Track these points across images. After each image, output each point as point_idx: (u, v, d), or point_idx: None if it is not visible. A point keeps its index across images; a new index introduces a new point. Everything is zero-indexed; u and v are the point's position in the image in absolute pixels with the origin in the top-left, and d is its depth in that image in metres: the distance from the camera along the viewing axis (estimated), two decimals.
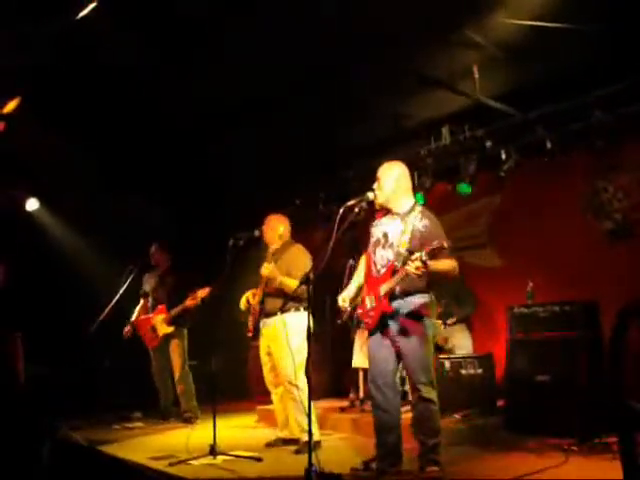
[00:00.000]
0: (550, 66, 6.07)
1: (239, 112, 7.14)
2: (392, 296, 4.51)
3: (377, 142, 8.02)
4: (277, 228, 6.11)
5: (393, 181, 4.70)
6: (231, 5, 5.29)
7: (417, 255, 4.13)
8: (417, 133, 7.82)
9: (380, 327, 4.61)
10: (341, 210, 4.65)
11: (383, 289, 4.51)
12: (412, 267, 4.13)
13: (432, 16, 5.47)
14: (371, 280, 4.71)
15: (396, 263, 4.48)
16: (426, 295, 4.58)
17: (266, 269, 5.74)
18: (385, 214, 4.80)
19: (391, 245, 4.61)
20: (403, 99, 7.14)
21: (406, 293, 4.52)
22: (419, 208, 4.67)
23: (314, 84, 6.61)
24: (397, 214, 4.69)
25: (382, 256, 4.65)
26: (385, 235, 4.68)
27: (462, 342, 6.97)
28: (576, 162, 6.76)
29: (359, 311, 4.86)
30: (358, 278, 4.95)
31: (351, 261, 7.69)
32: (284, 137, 7.68)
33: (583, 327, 5.69)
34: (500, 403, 6.28)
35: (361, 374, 7.42)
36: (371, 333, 4.72)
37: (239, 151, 8.01)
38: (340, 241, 4.66)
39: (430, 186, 7.68)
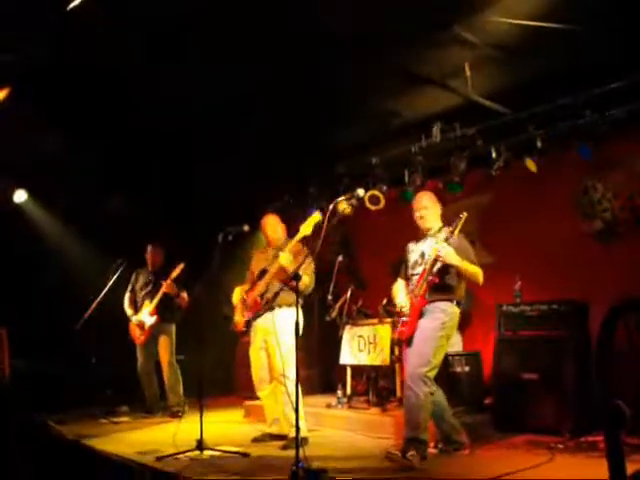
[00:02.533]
0: (541, 65, 6.06)
1: (228, 107, 7.09)
2: (425, 294, 4.94)
3: (368, 139, 8.02)
4: (278, 227, 6.25)
5: (436, 208, 5.30)
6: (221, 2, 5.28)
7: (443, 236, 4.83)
8: (408, 131, 7.80)
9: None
10: (331, 206, 4.69)
11: (417, 289, 4.96)
12: (439, 246, 4.76)
13: (423, 14, 5.46)
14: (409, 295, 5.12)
15: (426, 267, 4.95)
16: (452, 304, 5.03)
17: (284, 258, 5.70)
18: (418, 240, 5.29)
19: (426, 261, 5.04)
20: (394, 97, 7.12)
21: (435, 297, 4.96)
22: (445, 228, 5.11)
23: (306, 81, 6.59)
24: (430, 236, 5.18)
25: (417, 272, 5.10)
26: (422, 255, 5.13)
27: (451, 340, 6.96)
28: (566, 161, 6.76)
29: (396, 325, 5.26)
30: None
31: (340, 257, 7.70)
32: (274, 134, 7.66)
33: (571, 326, 5.72)
34: (488, 401, 6.30)
35: (349, 370, 7.43)
36: (409, 342, 5.00)
37: (228, 148, 7.98)
38: (330, 238, 4.69)
39: (421, 184, 7.67)
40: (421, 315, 4.94)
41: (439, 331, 4.88)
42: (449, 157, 7.43)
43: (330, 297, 7.55)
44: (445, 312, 4.94)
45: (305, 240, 5.68)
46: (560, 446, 5.04)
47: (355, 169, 8.45)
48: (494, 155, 7.02)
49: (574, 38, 5.49)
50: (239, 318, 6.09)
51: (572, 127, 6.48)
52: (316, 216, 5.31)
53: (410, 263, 5.22)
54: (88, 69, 6.15)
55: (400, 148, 7.88)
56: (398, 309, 5.12)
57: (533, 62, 6.05)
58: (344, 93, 6.89)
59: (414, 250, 5.25)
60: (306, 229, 5.48)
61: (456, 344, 7.01)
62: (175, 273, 7.54)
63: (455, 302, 5.03)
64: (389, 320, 6.85)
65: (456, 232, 4.85)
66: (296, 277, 4.72)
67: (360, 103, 7.12)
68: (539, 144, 6.67)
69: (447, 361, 6.44)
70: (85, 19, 5.10)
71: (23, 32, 5.44)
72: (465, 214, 4.86)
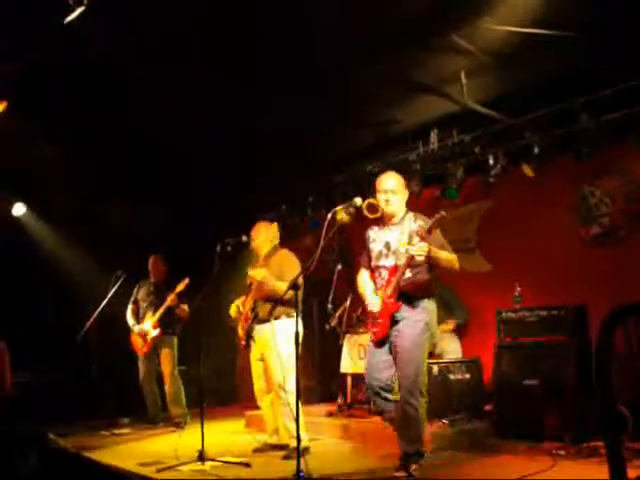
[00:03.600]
0: (537, 71, 6.09)
1: (225, 117, 7.10)
2: (398, 296, 4.65)
3: (365, 147, 8.05)
4: (267, 234, 6.14)
5: (403, 193, 4.92)
6: (220, 9, 5.30)
7: (417, 238, 4.42)
8: (405, 138, 7.84)
9: (389, 331, 4.69)
10: (329, 215, 4.69)
11: (389, 289, 4.66)
12: (415, 248, 4.36)
13: (419, 22, 5.48)
14: (376, 291, 4.85)
15: (398, 262, 4.64)
16: (430, 298, 4.77)
17: (259, 274, 5.72)
18: (380, 227, 4.95)
19: (394, 252, 4.75)
20: (391, 104, 7.15)
21: (410, 295, 4.67)
22: (410, 213, 4.89)
23: (304, 90, 6.61)
24: (394, 223, 4.86)
25: (384, 265, 4.80)
26: (387, 245, 4.83)
27: (451, 347, 6.98)
28: (563, 167, 6.78)
29: (369, 324, 4.91)
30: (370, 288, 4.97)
31: (339, 266, 7.69)
32: (273, 143, 7.68)
33: (571, 331, 5.69)
34: (488, 407, 6.28)
35: (349, 379, 7.42)
36: (380, 343, 4.76)
37: (226, 156, 7.99)
38: (329, 246, 4.69)
39: (418, 191, 7.69)
40: (396, 318, 4.66)
41: (424, 333, 4.65)
42: (446, 164, 7.46)
43: (330, 306, 7.52)
44: (426, 310, 4.69)
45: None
46: (561, 452, 5.01)
47: (353, 177, 8.47)
48: (491, 162, 7.04)
49: (569, 44, 5.51)
50: (240, 331, 6.08)
51: (569, 133, 6.51)
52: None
53: (374, 253, 4.90)
54: (87, 75, 6.14)
55: (397, 156, 7.91)
56: (370, 312, 4.83)
57: (529, 68, 6.09)
58: (342, 101, 6.90)
59: (376, 239, 4.93)
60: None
61: (456, 351, 7.02)
62: (180, 288, 7.49)
63: (432, 297, 4.79)
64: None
65: (433, 231, 4.50)
66: (295, 287, 4.73)
67: (358, 111, 7.14)
68: (536, 150, 6.68)
69: (447, 368, 6.45)
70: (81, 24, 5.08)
71: (21, 39, 5.43)
72: (443, 213, 4.47)
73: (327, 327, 7.62)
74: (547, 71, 6.06)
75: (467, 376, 6.45)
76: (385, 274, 4.76)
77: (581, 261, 6.59)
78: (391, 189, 4.83)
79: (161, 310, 7.71)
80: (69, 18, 4.81)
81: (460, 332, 7.27)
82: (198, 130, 7.40)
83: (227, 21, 5.35)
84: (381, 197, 4.83)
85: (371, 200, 4.91)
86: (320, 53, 5.92)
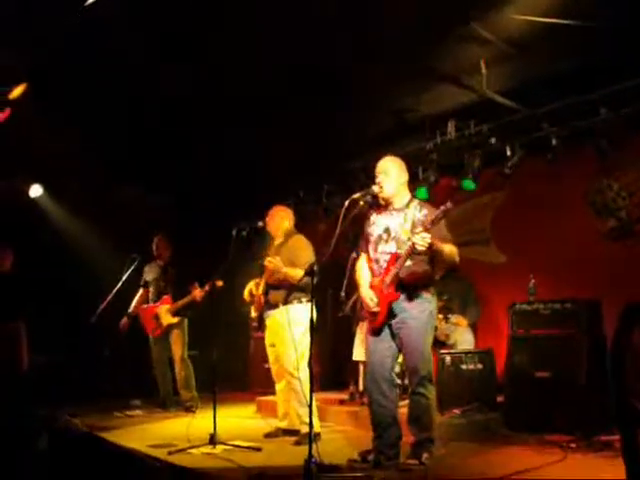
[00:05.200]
0: (557, 63, 6.05)
1: (242, 105, 7.10)
2: (397, 286, 4.54)
3: (382, 135, 8.01)
4: (282, 220, 6.15)
5: (398, 175, 4.76)
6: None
7: (420, 228, 4.27)
8: (422, 127, 7.79)
9: (387, 320, 4.61)
10: (346, 202, 4.67)
11: (388, 278, 4.55)
12: (417, 238, 4.22)
13: (440, 11, 5.45)
14: (373, 279, 4.74)
15: (399, 251, 4.54)
16: (429, 288, 4.68)
17: (270, 263, 5.73)
18: (381, 211, 4.85)
19: (394, 238, 4.65)
20: (409, 93, 7.11)
21: (410, 285, 4.57)
22: (416, 200, 4.80)
23: (322, 78, 6.59)
24: (396, 209, 4.75)
25: (384, 251, 4.69)
26: (387, 230, 4.72)
27: (464, 337, 6.96)
28: (581, 159, 6.75)
29: (365, 314, 4.85)
30: (366, 278, 4.86)
31: (354, 254, 7.66)
32: (288, 130, 7.67)
33: (584, 325, 5.68)
34: (500, 399, 6.28)
35: (361, 367, 7.42)
36: (378, 331, 4.68)
37: (242, 143, 8.00)
38: (344, 234, 4.67)
39: (434, 181, 7.68)
40: (395, 309, 4.57)
41: (429, 323, 4.61)
42: (463, 154, 7.43)
43: (343, 293, 7.52)
44: (427, 300, 4.62)
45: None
46: (572, 445, 5.01)
47: (370, 165, 8.43)
48: (508, 153, 7.01)
49: (590, 35, 5.45)
50: (253, 313, 6.11)
51: (587, 126, 6.46)
52: None
53: (373, 237, 4.79)
54: (100, 64, 6.16)
55: (414, 145, 7.88)
56: (368, 304, 4.68)
57: (549, 59, 6.04)
58: (360, 89, 6.87)
59: (376, 222, 4.81)
60: None
61: (469, 342, 7.01)
62: (209, 288, 7.16)
63: (431, 287, 4.70)
64: None
65: (437, 222, 4.32)
66: (311, 273, 4.73)
67: (376, 99, 7.11)
68: (554, 142, 6.64)
69: (460, 358, 6.44)
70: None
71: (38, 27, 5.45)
72: (449, 205, 4.28)
73: (340, 314, 7.64)
74: (567, 62, 6.01)
75: (480, 367, 6.43)
76: (384, 261, 4.65)
77: (596, 255, 6.56)
78: (383, 171, 4.74)
79: (182, 302, 7.70)
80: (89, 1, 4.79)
81: (474, 324, 7.26)
82: (213, 116, 7.39)
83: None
84: (376, 180, 4.76)
85: None
86: (340, 41, 5.90)
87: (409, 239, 4.42)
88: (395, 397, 4.77)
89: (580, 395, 5.42)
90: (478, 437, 5.60)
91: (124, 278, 7.82)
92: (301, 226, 6.42)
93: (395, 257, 4.55)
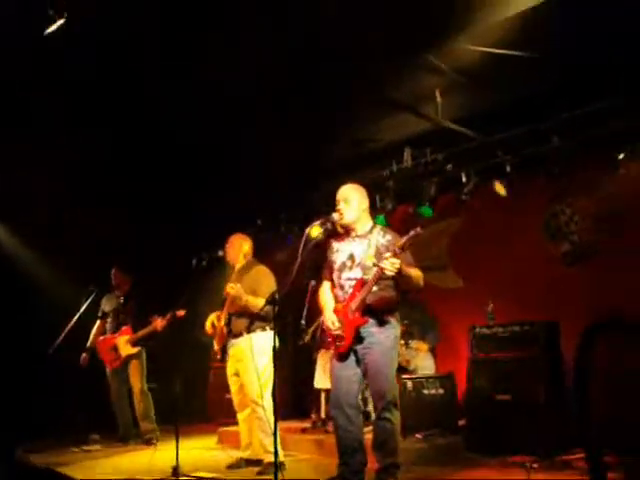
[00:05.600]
0: (510, 92, 6.20)
1: (203, 134, 7.12)
2: (363, 311, 4.56)
3: (339, 164, 8.08)
4: (241, 247, 6.12)
5: (359, 202, 4.80)
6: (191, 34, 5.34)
7: (389, 253, 4.30)
8: (379, 155, 7.90)
9: (354, 344, 4.60)
10: (307, 231, 4.68)
11: (354, 303, 4.57)
12: (387, 263, 4.25)
13: (395, 41, 5.57)
14: (337, 304, 4.76)
15: (365, 277, 4.56)
16: (395, 314, 4.71)
17: (232, 288, 5.71)
18: (343, 238, 4.88)
19: (359, 264, 4.67)
20: (366, 122, 7.22)
21: (376, 310, 4.59)
22: (379, 226, 4.85)
23: (278, 108, 6.65)
24: (359, 235, 4.79)
25: (349, 277, 4.71)
26: (351, 257, 4.74)
27: (425, 362, 7.02)
28: (534, 185, 6.91)
29: (328, 339, 4.84)
30: (330, 303, 4.88)
31: (313, 282, 7.70)
32: (246, 159, 7.71)
33: (543, 346, 5.80)
34: (461, 422, 6.34)
35: (323, 395, 7.42)
36: (344, 357, 4.67)
37: (201, 174, 8.01)
38: (304, 262, 4.68)
39: (392, 208, 7.77)
40: (362, 333, 4.57)
41: (394, 348, 4.64)
42: (420, 182, 7.54)
43: (303, 322, 7.53)
44: (393, 326, 4.64)
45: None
46: (535, 465, 5.07)
47: (327, 193, 8.49)
48: (464, 180, 7.15)
49: (540, 66, 5.64)
50: (216, 346, 6.05)
51: (540, 152, 6.63)
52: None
53: (336, 265, 4.80)
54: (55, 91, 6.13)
55: (371, 173, 7.97)
56: (330, 327, 4.69)
57: (502, 89, 6.19)
58: (316, 118, 6.95)
59: (339, 249, 4.84)
60: None
61: (430, 367, 7.06)
62: (170, 317, 7.15)
63: (396, 313, 4.73)
64: None
65: (407, 248, 4.39)
66: (273, 301, 4.73)
67: (332, 128, 7.19)
68: (508, 168, 6.80)
69: (421, 383, 6.49)
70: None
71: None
72: (419, 230, 4.33)
73: (300, 343, 7.64)
74: (519, 91, 6.17)
75: (441, 391, 6.50)
76: (349, 287, 4.67)
77: (552, 278, 6.69)
78: (344, 198, 4.78)
79: (143, 332, 7.61)
80: (49, 30, 4.77)
81: (433, 348, 7.32)
82: (171, 143, 7.39)
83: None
84: (337, 208, 4.79)
85: None
86: (297, 70, 5.97)
87: (374, 265, 4.46)
88: (360, 423, 4.77)
89: (540, 415, 5.50)
90: (441, 461, 5.64)
91: (82, 310, 7.71)
92: (260, 255, 6.41)
93: (361, 283, 4.58)
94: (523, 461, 5.19)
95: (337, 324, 4.64)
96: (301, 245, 4.60)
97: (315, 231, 4.74)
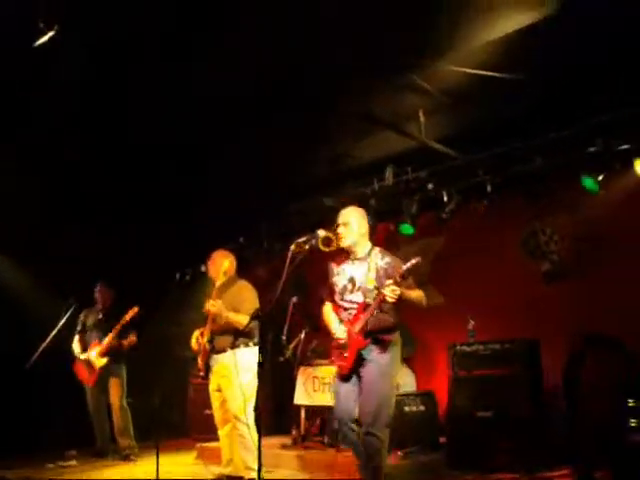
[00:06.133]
0: (492, 113, 6.29)
1: (178, 150, 7.13)
2: (365, 334, 4.61)
3: (321, 181, 8.13)
4: (222, 264, 6.10)
5: (359, 225, 4.88)
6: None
7: (390, 281, 4.38)
8: (361, 173, 7.95)
9: (356, 366, 4.65)
10: (292, 247, 4.70)
11: (357, 325, 4.63)
12: (388, 290, 4.34)
13: (380, 61, 5.64)
14: (341, 324, 4.81)
15: (366, 300, 4.63)
16: (394, 334, 4.75)
17: (213, 306, 5.71)
18: (343, 261, 4.94)
19: (359, 288, 4.74)
20: (349, 139, 7.27)
21: (375, 333, 4.64)
22: (377, 249, 4.89)
23: (259, 122, 6.68)
24: (358, 258, 4.85)
25: (351, 300, 4.78)
26: (352, 280, 4.80)
27: (405, 380, 7.04)
28: (515, 205, 7.00)
29: (334, 352, 4.86)
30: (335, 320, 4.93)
31: (294, 299, 7.73)
32: (228, 175, 7.72)
33: (524, 364, 5.85)
34: (443, 440, 6.37)
35: (303, 411, 7.43)
36: (345, 378, 4.72)
37: (182, 188, 8.00)
38: (287, 278, 4.69)
39: (373, 226, 7.80)
40: (363, 355, 4.63)
41: (392, 367, 4.68)
42: (401, 200, 7.60)
43: (284, 338, 7.55)
44: (392, 347, 4.69)
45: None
46: None
47: (308, 210, 8.54)
48: (445, 198, 7.22)
49: (522, 87, 5.74)
50: (200, 363, 6.02)
51: (520, 172, 6.73)
52: None
53: (338, 288, 4.87)
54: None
55: (353, 190, 8.02)
56: (336, 342, 4.77)
57: (484, 109, 6.28)
58: (299, 135, 6.99)
59: (340, 273, 4.90)
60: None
61: (410, 384, 7.10)
62: (128, 316, 7.41)
63: (397, 335, 4.78)
64: None
65: (407, 276, 4.48)
66: (257, 317, 4.74)
67: (315, 144, 7.24)
68: (489, 188, 6.88)
69: (402, 400, 6.51)
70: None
71: None
72: (419, 259, 4.44)
73: (281, 359, 7.64)
74: (501, 112, 6.27)
75: (422, 408, 6.53)
76: (352, 310, 4.73)
77: (532, 296, 6.77)
78: (343, 222, 4.86)
79: (108, 338, 7.60)
80: (39, 42, 4.75)
81: (414, 365, 7.36)
82: (152, 159, 7.39)
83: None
84: (337, 230, 4.85)
85: (327, 234, 4.90)
86: (282, 85, 6.01)
87: (375, 288, 4.55)
88: None
89: (521, 432, 5.54)
90: (422, 478, 5.67)
91: (60, 324, 7.64)
92: (241, 272, 6.42)
93: (364, 306, 4.64)
94: (504, 478, 5.24)
95: (345, 334, 4.70)
96: (287, 261, 4.61)
97: (301, 248, 4.75)
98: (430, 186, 7.35)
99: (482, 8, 4.98)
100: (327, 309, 5.05)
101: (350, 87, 6.05)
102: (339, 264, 4.96)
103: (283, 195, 8.51)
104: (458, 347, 6.32)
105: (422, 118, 6.56)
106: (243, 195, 8.13)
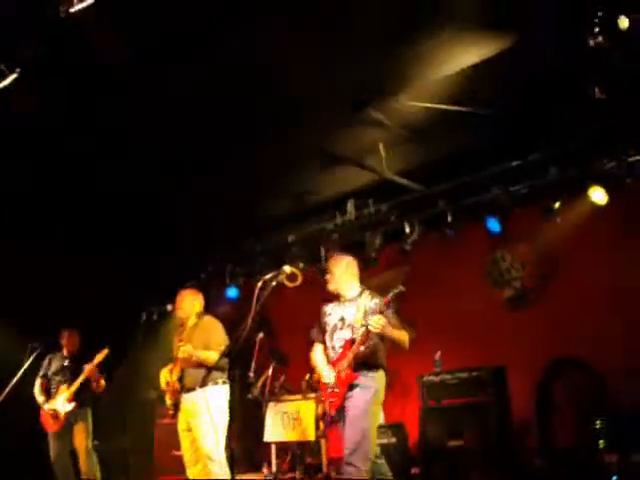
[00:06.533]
0: (451, 145, 6.44)
1: (145, 184, 7.11)
2: (354, 368, 4.75)
3: (284, 217, 8.17)
4: (193, 305, 6.12)
5: (342, 272, 5.09)
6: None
7: (377, 316, 4.55)
8: (323, 208, 8.01)
9: (344, 400, 4.76)
10: (259, 284, 4.73)
11: (345, 362, 4.78)
12: (372, 320, 4.52)
13: (339, 97, 5.74)
14: (330, 364, 4.94)
15: (354, 336, 4.79)
16: (379, 369, 4.90)
17: (183, 352, 5.69)
18: (333, 302, 5.14)
19: (349, 325, 4.90)
20: (309, 175, 7.33)
21: (362, 366, 4.78)
22: (367, 291, 5.07)
23: (221, 160, 6.71)
24: (348, 300, 5.04)
25: (339, 338, 4.93)
26: (342, 319, 4.98)
27: None
28: (475, 234, 7.13)
29: (323, 398, 4.96)
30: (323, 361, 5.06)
31: (260, 335, 7.71)
32: (191, 212, 7.72)
33: (492, 391, 5.92)
34: (415, 470, 6.37)
35: (274, 448, 7.37)
36: (338, 410, 4.81)
37: (144, 226, 7.97)
38: (254, 315, 4.71)
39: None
40: (351, 387, 4.79)
41: (375, 399, 4.81)
42: (364, 233, 7.67)
43: (252, 375, 7.50)
44: (375, 379, 4.84)
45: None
46: None
47: (271, 246, 8.56)
48: (407, 230, 7.31)
49: (479, 120, 5.88)
50: (168, 402, 5.96)
51: (479, 202, 6.86)
52: None
53: (329, 327, 5.04)
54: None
55: (316, 225, 8.08)
56: (324, 383, 4.91)
57: (443, 142, 6.42)
58: (261, 172, 7.04)
59: (331, 313, 5.08)
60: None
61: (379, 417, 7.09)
62: (99, 358, 7.22)
63: (382, 368, 4.96)
64: (313, 395, 6.85)
65: (391, 304, 4.76)
66: (228, 354, 4.74)
67: (276, 181, 7.29)
68: (449, 218, 7.00)
69: None
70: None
71: None
72: (402, 287, 4.73)
73: (250, 396, 7.59)
74: (459, 144, 6.41)
75: (393, 440, 6.53)
76: (339, 347, 4.89)
77: (497, 323, 6.88)
78: (329, 269, 5.15)
79: (77, 382, 7.44)
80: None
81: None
82: (118, 197, 7.35)
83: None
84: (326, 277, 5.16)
85: (292, 269, 4.97)
86: (240, 124, 6.06)
87: (363, 325, 4.69)
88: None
89: (492, 459, 5.58)
90: None
91: (24, 368, 7.47)
92: (206, 309, 6.40)
93: (351, 342, 4.79)
94: None
95: (333, 379, 4.83)
96: (255, 297, 4.64)
97: (268, 284, 4.79)
98: (392, 218, 7.43)
99: (439, 43, 5.12)
100: (315, 349, 5.17)
101: (309, 122, 6.13)
102: (332, 305, 5.15)
103: (247, 233, 8.53)
104: (426, 378, 6.38)
105: (382, 152, 6.65)
106: (207, 233, 8.12)
